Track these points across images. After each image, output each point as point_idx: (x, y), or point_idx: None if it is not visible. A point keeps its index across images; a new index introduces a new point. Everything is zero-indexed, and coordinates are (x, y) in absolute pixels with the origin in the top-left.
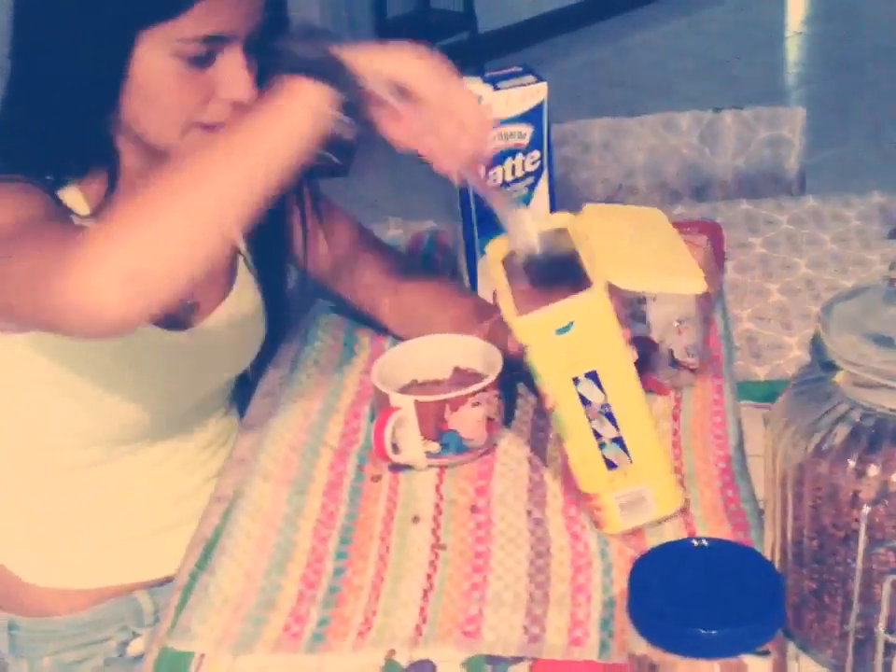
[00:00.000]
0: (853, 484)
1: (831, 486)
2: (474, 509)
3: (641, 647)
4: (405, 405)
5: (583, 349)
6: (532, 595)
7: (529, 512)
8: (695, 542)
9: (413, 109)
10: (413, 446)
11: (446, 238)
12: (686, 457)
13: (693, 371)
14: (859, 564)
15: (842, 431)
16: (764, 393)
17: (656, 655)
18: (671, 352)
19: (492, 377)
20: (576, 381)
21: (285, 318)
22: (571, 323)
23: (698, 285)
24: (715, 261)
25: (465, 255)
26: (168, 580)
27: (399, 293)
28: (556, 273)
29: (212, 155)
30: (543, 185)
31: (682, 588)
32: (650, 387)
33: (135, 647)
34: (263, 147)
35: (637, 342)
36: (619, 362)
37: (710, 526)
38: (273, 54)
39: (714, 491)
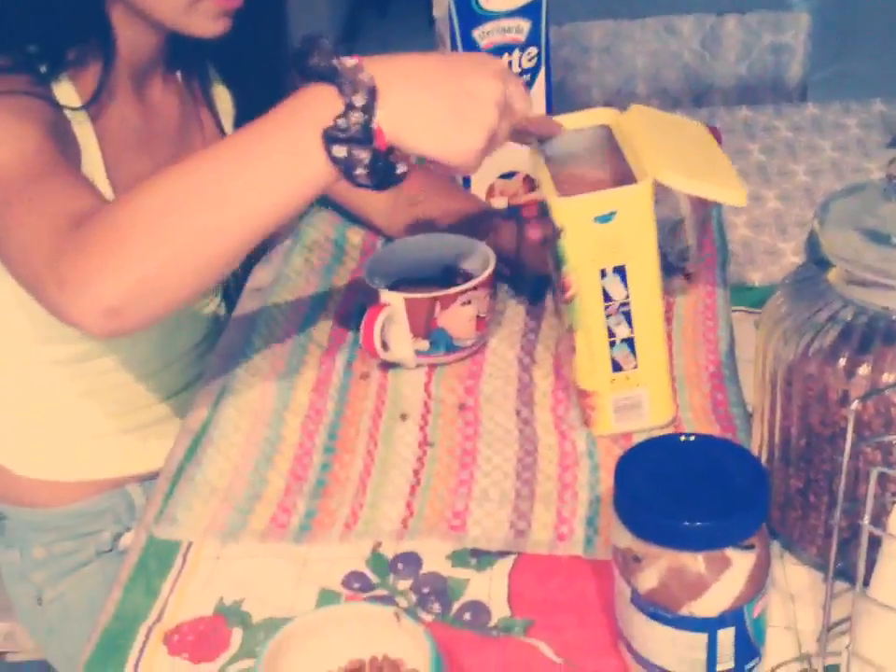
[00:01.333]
0: (842, 384)
1: (820, 386)
2: (462, 407)
3: (625, 539)
4: (395, 302)
5: (619, 242)
6: (518, 491)
7: (518, 412)
8: (682, 438)
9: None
10: (403, 344)
11: None
12: (677, 361)
13: (686, 275)
14: (845, 460)
15: (833, 330)
16: (758, 298)
17: (640, 547)
18: (665, 256)
19: (483, 276)
20: (603, 273)
21: None
22: (613, 213)
23: (741, 197)
24: None
25: None
26: None
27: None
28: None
29: (214, 172)
30: (540, 84)
31: (668, 481)
32: None
33: (126, 540)
34: (269, 162)
35: None
36: (649, 262)
37: (698, 429)
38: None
39: (704, 395)
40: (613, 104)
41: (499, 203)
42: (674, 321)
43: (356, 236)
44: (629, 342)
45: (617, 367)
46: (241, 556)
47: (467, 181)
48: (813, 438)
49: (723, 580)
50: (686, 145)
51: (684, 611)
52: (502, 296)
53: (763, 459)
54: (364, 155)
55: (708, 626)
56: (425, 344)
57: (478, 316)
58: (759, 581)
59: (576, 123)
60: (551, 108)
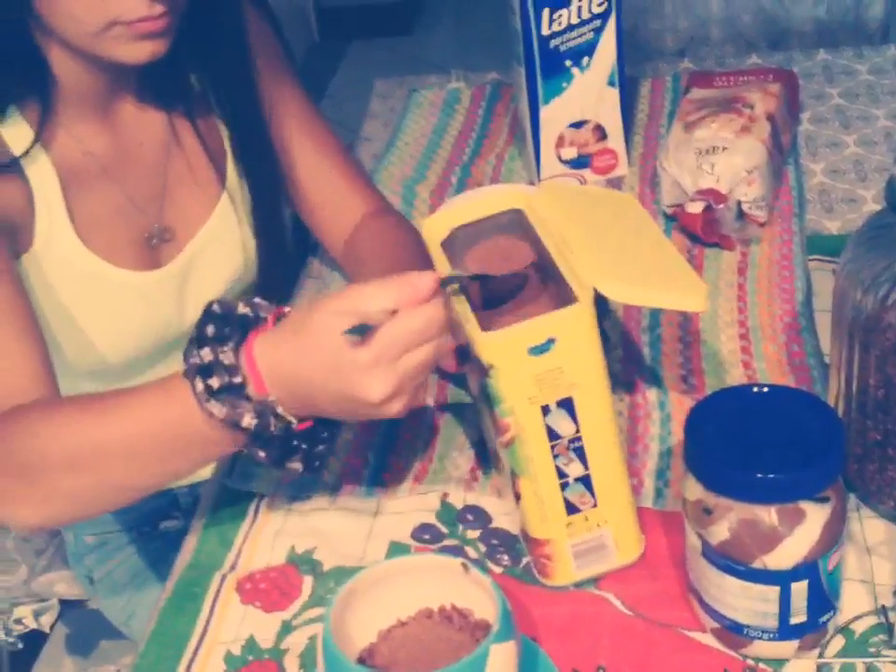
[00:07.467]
0: None
1: None
2: None
3: (696, 492)
4: None
5: (561, 373)
6: None
7: None
8: (755, 388)
9: None
10: None
11: (509, 91)
12: (751, 311)
13: (761, 224)
14: None
15: None
16: (835, 247)
17: (711, 500)
18: (739, 204)
19: None
20: (546, 410)
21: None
22: (551, 341)
23: (700, 300)
24: (788, 111)
25: (528, 100)
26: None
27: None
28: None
29: (125, 467)
30: (610, 30)
31: (740, 433)
32: (715, 241)
33: (167, 523)
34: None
35: (704, 193)
36: (599, 388)
37: (773, 379)
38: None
39: (779, 345)
40: (686, 51)
41: (569, 153)
42: (748, 271)
43: (424, 190)
44: (584, 479)
45: (572, 509)
46: (312, 509)
47: (536, 131)
48: (892, 389)
49: (797, 532)
50: (621, 234)
51: (757, 564)
52: None
53: (840, 411)
54: (245, 405)
55: (781, 579)
56: None
57: None
58: (834, 534)
59: (483, 211)
60: (622, 56)
